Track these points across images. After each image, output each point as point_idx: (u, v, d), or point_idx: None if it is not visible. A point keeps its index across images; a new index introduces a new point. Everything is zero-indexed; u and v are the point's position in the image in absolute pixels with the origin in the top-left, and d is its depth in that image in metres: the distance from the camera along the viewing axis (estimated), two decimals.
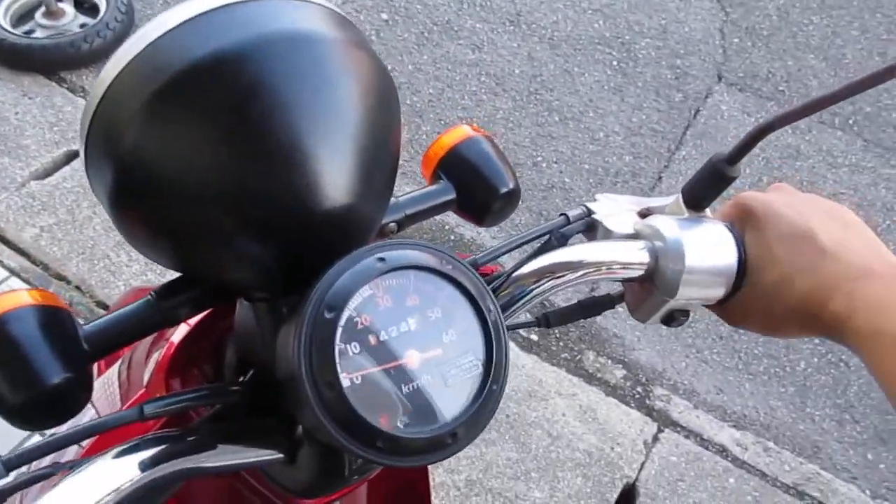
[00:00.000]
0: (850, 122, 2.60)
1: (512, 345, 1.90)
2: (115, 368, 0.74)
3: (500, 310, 0.44)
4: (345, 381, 0.39)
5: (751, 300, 0.56)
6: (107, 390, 0.74)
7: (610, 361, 1.95)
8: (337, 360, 0.39)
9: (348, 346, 0.39)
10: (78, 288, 1.84)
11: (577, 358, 1.94)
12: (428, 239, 2.11)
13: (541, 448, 1.73)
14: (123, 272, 1.87)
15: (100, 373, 0.95)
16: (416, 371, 0.41)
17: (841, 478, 1.82)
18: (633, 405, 1.87)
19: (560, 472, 1.70)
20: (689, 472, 1.76)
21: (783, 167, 2.44)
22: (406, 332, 0.41)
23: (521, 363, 1.87)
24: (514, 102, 2.48)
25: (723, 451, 1.82)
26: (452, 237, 2.12)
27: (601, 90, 2.57)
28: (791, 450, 1.86)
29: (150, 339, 0.67)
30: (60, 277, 1.85)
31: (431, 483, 1.74)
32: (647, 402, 1.89)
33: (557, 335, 1.98)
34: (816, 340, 2.02)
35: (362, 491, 0.67)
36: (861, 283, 0.50)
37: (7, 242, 1.88)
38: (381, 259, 0.41)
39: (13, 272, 1.82)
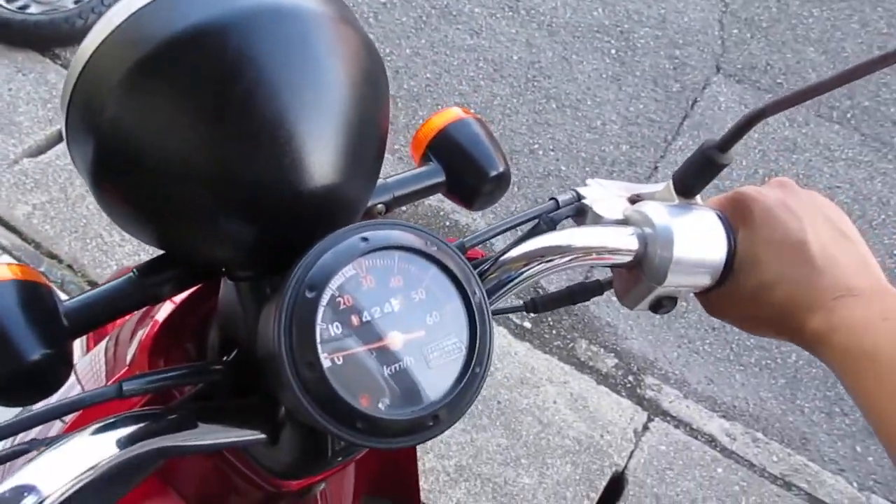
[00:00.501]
0: (848, 115, 2.60)
1: (504, 332, 1.91)
2: (102, 345, 0.73)
3: (485, 293, 0.43)
4: (325, 362, 0.38)
5: (733, 296, 0.56)
6: (94, 367, 0.73)
7: (602, 350, 1.95)
8: (318, 340, 0.38)
9: (330, 326, 0.39)
10: (70, 267, 1.83)
11: (570, 346, 1.95)
12: (423, 224, 2.11)
13: (531, 435, 1.74)
14: (116, 252, 1.86)
15: (88, 349, 0.95)
16: (398, 352, 0.40)
17: (829, 469, 1.83)
18: (623, 394, 1.87)
19: (549, 458, 1.71)
20: (677, 461, 1.77)
21: (780, 160, 2.43)
22: (389, 313, 0.41)
23: (514, 350, 1.88)
24: (511, 89, 2.47)
25: (712, 441, 1.83)
26: (448, 223, 2.12)
27: (599, 78, 2.56)
28: (780, 441, 1.87)
29: (136, 316, 0.66)
30: (52, 256, 1.84)
31: (421, 468, 1.74)
32: (638, 391, 1.90)
33: (550, 323, 1.98)
34: None
35: (349, 473, 0.68)
36: (842, 301, 0.50)
37: None
38: (365, 239, 0.40)
39: (5, 250, 1.81)
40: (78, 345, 1.07)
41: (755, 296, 0.54)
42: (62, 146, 2.02)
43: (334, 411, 0.38)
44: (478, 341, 0.42)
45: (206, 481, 0.62)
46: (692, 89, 2.58)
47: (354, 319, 0.40)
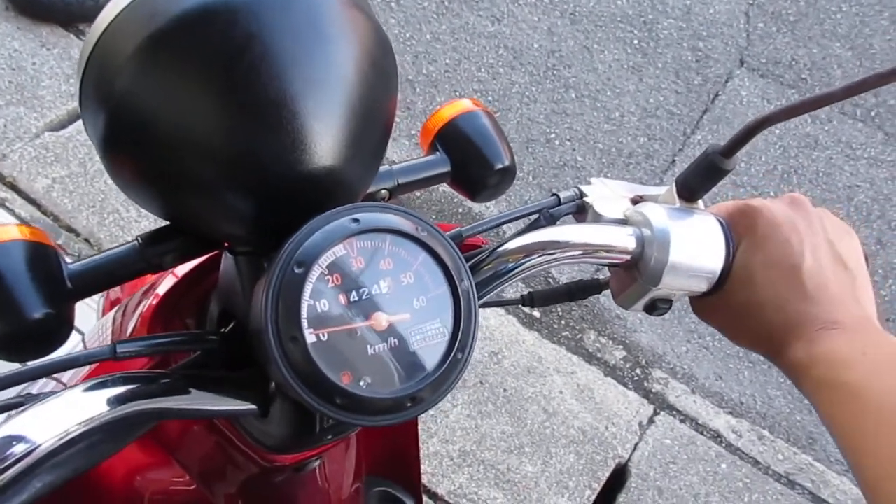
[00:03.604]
0: (872, 114, 2.56)
1: (513, 320, 1.91)
2: (110, 315, 0.75)
3: (473, 281, 0.44)
4: (310, 337, 0.39)
5: (723, 305, 0.56)
6: (101, 336, 0.75)
7: (611, 342, 1.95)
8: (303, 316, 0.39)
9: (317, 303, 0.40)
10: (87, 241, 1.86)
11: (578, 337, 1.95)
12: (436, 210, 2.11)
13: (536, 423, 1.75)
14: (132, 227, 1.89)
15: (103, 314, 0.97)
16: (383, 334, 0.41)
17: (833, 470, 1.82)
18: (630, 387, 1.87)
19: (553, 448, 1.72)
20: (681, 455, 1.77)
21: (800, 156, 2.41)
22: (377, 294, 0.41)
23: (522, 339, 1.88)
24: (530, 77, 2.46)
25: (717, 436, 1.83)
26: (461, 209, 2.12)
27: (620, 69, 2.54)
28: (786, 439, 1.86)
29: (143, 289, 0.68)
30: (70, 230, 1.87)
31: (424, 452, 1.76)
32: (646, 384, 1.90)
33: (559, 313, 1.98)
34: None
35: (351, 453, 0.69)
36: (824, 333, 0.49)
37: (19, 192, 1.90)
38: (356, 220, 0.41)
39: (24, 222, 1.85)
40: (95, 315, 1.10)
41: (744, 311, 0.54)
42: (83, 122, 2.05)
43: (315, 386, 0.39)
44: (461, 328, 0.43)
45: (206, 455, 0.64)
46: (714, 83, 2.55)
47: (342, 298, 0.41)
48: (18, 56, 2.15)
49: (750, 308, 0.54)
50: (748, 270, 0.54)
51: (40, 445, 0.37)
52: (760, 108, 2.48)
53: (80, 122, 2.05)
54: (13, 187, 1.90)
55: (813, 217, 0.55)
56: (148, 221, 1.90)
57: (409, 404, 0.41)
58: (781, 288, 0.52)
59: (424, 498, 0.97)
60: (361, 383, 0.40)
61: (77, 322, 0.48)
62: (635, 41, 2.63)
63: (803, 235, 0.53)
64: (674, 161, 2.33)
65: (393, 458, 0.85)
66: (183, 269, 0.60)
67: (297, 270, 0.40)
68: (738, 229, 0.56)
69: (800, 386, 0.50)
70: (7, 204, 1.87)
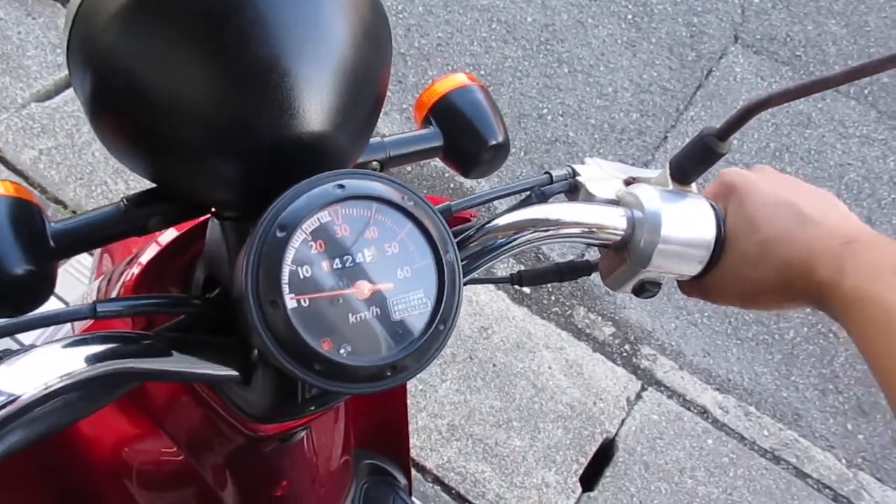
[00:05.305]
0: (866, 92, 2.55)
1: (503, 296, 1.91)
2: (95, 284, 0.75)
3: (458, 254, 0.44)
4: (290, 302, 0.39)
5: (729, 271, 0.56)
6: (84, 303, 0.75)
7: (600, 318, 1.96)
8: (284, 280, 0.39)
9: (300, 268, 0.40)
10: (74, 213, 1.83)
11: (568, 313, 1.95)
12: (427, 186, 2.10)
13: (524, 398, 1.76)
14: None
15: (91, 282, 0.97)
16: (365, 302, 0.41)
17: (818, 445, 1.85)
18: (619, 362, 1.89)
19: (541, 422, 1.73)
20: (668, 430, 1.79)
21: (792, 134, 2.40)
22: (361, 262, 0.41)
23: (512, 315, 1.89)
24: (523, 51, 2.44)
25: (704, 412, 1.85)
26: (452, 185, 2.11)
27: (613, 44, 2.52)
28: (771, 415, 1.88)
29: (128, 259, 0.67)
30: (58, 201, 1.85)
31: (413, 426, 1.77)
32: (634, 360, 1.91)
33: (549, 289, 1.99)
34: (808, 310, 2.02)
35: (339, 426, 0.69)
36: (850, 247, 0.48)
37: (6, 163, 1.88)
38: (341, 186, 0.41)
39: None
40: (84, 284, 1.09)
41: (754, 263, 0.53)
42: (70, 92, 2.02)
43: (294, 351, 0.39)
44: (444, 300, 0.42)
45: (193, 425, 0.64)
46: (708, 59, 2.53)
47: (325, 265, 0.40)
48: (3, 25, 2.11)
49: (761, 254, 0.53)
50: (745, 220, 0.54)
51: (20, 397, 0.37)
52: (754, 85, 2.47)
53: (66, 93, 2.02)
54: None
55: (785, 178, 0.57)
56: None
57: (389, 373, 0.41)
58: (784, 219, 0.52)
59: (413, 471, 0.97)
60: (342, 350, 0.40)
61: (65, 293, 0.47)
62: (630, 16, 2.61)
63: (783, 185, 0.55)
64: (666, 138, 2.32)
65: (382, 431, 0.86)
66: (166, 237, 0.60)
67: (279, 234, 0.39)
68: (723, 201, 0.57)
69: (828, 307, 0.49)
70: None
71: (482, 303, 1.88)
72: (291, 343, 0.39)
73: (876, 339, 0.45)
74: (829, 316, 0.50)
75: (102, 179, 1.89)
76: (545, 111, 2.32)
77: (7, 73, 2.02)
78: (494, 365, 1.80)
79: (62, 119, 1.97)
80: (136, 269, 0.58)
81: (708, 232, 0.55)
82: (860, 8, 2.78)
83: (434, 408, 1.71)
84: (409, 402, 1.11)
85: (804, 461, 1.81)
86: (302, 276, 0.40)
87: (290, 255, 0.39)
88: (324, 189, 0.41)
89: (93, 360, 0.40)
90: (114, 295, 0.61)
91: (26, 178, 1.87)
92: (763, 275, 0.53)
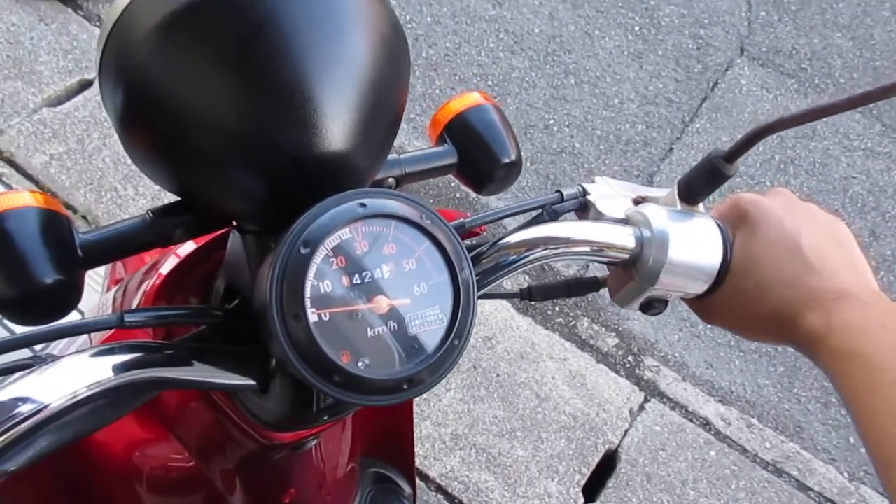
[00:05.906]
0: (871, 105, 2.56)
1: (507, 306, 1.92)
2: (111, 293, 0.76)
3: (473, 270, 0.45)
4: (312, 317, 0.40)
5: (729, 300, 0.57)
6: (102, 311, 0.76)
7: (604, 329, 1.97)
8: (307, 295, 0.40)
9: (321, 283, 0.41)
10: (84, 218, 1.86)
11: (572, 324, 1.96)
12: (434, 195, 2.12)
13: (528, 408, 1.77)
14: (129, 205, 1.89)
15: (107, 290, 0.98)
16: (383, 317, 0.42)
17: (820, 458, 1.85)
18: (622, 374, 1.89)
19: (544, 433, 1.74)
20: (671, 442, 1.79)
21: (797, 146, 2.41)
22: (379, 278, 0.43)
23: (516, 325, 1.90)
24: (530, 62, 2.45)
25: (706, 424, 1.85)
26: (458, 195, 2.13)
27: (620, 55, 2.53)
28: (774, 428, 1.88)
29: (144, 268, 0.69)
30: (68, 206, 1.87)
31: (417, 434, 1.77)
32: (637, 371, 1.91)
33: (554, 300, 2.00)
34: None
35: (347, 434, 0.70)
36: (840, 303, 0.50)
37: (17, 167, 1.90)
38: (363, 204, 0.42)
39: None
40: (97, 296, 1.10)
41: (752, 298, 0.55)
42: (81, 98, 2.04)
43: (315, 363, 0.40)
44: (459, 316, 0.44)
45: (205, 431, 0.65)
46: (714, 71, 2.55)
47: (345, 280, 0.42)
48: (16, 30, 2.13)
49: (759, 292, 0.54)
50: (749, 255, 0.55)
51: (49, 405, 0.39)
52: (760, 98, 2.48)
53: (77, 99, 2.04)
54: (10, 163, 1.90)
55: (800, 206, 0.57)
56: (146, 200, 1.90)
57: (405, 386, 0.42)
58: (786, 264, 0.53)
59: (416, 480, 0.98)
60: (360, 363, 0.41)
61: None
62: (636, 28, 2.62)
63: (795, 217, 0.55)
64: (671, 149, 2.33)
65: (387, 439, 0.87)
66: (185, 249, 0.61)
67: (303, 251, 0.41)
68: (732, 222, 0.58)
69: (815, 357, 0.50)
70: (4, 179, 1.86)
71: (486, 313, 1.89)
72: (313, 355, 0.40)
73: (859, 395, 0.46)
74: (815, 364, 0.51)
75: (112, 185, 1.91)
76: (551, 122, 2.34)
77: (19, 78, 2.05)
78: (498, 375, 1.80)
79: (73, 124, 1.99)
80: (156, 280, 0.60)
81: (714, 252, 0.56)
82: (866, 21, 2.79)
83: (438, 417, 1.72)
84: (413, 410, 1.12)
85: (806, 474, 1.81)
86: (323, 291, 0.41)
87: (312, 270, 0.41)
88: (346, 207, 0.42)
89: (119, 369, 0.41)
90: (134, 304, 0.63)
91: (37, 183, 1.88)
92: (758, 312, 0.55)
